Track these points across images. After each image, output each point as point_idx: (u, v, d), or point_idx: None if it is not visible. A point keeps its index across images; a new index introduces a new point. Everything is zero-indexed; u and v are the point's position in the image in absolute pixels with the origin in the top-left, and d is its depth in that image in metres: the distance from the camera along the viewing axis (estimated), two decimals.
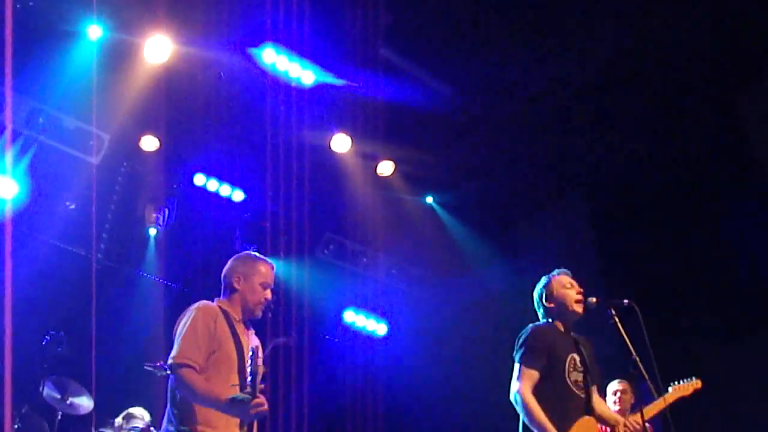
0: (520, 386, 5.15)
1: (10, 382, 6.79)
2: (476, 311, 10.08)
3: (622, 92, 8.63)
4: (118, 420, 7.85)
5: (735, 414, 8.41)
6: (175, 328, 4.60)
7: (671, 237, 9.23)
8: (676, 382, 6.61)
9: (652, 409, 6.11)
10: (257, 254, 4.92)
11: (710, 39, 7.98)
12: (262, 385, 4.18)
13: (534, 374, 5.17)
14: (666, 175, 9.18)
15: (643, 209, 9.38)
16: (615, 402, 7.22)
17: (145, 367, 7.67)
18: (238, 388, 4.36)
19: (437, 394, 10.07)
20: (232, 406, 4.23)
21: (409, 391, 10.25)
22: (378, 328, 10.71)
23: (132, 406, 7.99)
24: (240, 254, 4.94)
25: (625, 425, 5.57)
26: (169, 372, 4.50)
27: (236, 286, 4.75)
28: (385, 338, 10.72)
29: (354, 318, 10.59)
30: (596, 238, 9.52)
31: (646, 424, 6.28)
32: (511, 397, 5.20)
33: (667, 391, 6.31)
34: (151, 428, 7.69)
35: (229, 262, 4.89)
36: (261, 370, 4.17)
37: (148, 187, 9.35)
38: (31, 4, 7.63)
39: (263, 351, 4.40)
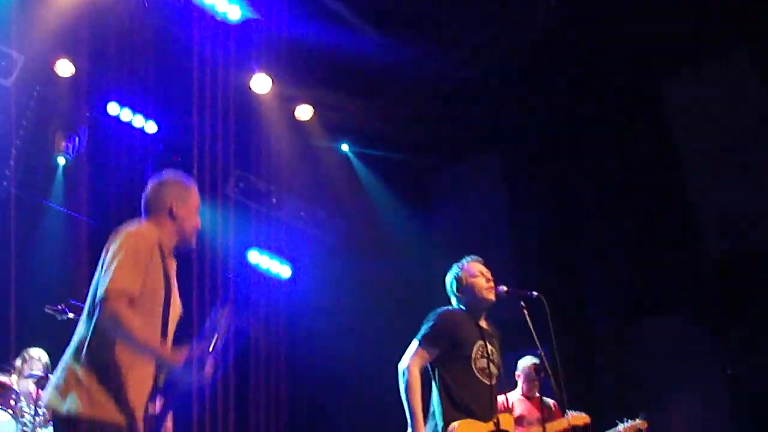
0: (410, 362, 5.05)
1: None
2: (381, 261, 10.17)
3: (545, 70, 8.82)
4: (17, 362, 7.58)
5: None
6: (102, 258, 3.87)
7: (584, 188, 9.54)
8: (624, 421, 6.60)
9: (555, 426, 6.29)
10: (187, 176, 4.30)
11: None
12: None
13: (425, 356, 5.10)
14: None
15: (552, 165, 9.63)
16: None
17: (46, 310, 7.31)
18: (159, 332, 3.88)
19: (334, 341, 10.16)
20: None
21: (309, 335, 10.32)
22: (282, 270, 10.66)
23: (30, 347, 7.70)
24: (170, 176, 4.26)
25: None
26: (97, 306, 3.73)
27: (175, 210, 4.11)
28: (289, 281, 10.70)
29: (259, 259, 10.51)
30: (509, 196, 9.75)
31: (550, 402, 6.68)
32: (399, 369, 5.08)
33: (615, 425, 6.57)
34: (49, 375, 7.43)
35: (160, 185, 4.20)
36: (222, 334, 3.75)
37: (60, 113, 8.93)
38: None
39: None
